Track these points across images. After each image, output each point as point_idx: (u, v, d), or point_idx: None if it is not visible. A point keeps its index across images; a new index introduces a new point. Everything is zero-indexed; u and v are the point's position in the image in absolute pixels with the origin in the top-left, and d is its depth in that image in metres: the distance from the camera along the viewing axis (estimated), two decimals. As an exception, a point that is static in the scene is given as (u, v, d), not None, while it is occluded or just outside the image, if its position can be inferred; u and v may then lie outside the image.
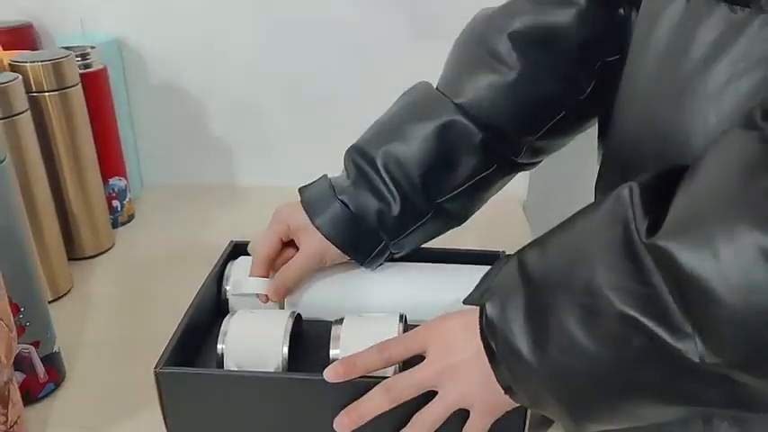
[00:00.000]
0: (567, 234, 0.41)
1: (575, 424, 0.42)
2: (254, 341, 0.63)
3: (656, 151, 0.43)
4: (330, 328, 0.62)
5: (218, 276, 0.70)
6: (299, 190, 0.67)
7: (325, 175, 0.66)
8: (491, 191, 0.65)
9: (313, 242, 0.64)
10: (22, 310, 0.55)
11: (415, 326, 0.55)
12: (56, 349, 0.61)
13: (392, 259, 0.68)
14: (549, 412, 0.44)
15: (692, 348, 0.31)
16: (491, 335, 0.44)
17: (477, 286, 0.50)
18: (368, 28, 0.96)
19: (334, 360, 0.60)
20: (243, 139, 1.05)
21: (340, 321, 0.63)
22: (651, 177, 0.36)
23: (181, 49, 0.99)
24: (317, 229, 0.63)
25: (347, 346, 0.60)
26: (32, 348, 0.56)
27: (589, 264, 0.36)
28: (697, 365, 0.32)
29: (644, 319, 0.33)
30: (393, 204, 0.62)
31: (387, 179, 0.61)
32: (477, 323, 0.46)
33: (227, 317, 0.64)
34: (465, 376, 0.47)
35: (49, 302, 0.76)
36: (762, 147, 0.30)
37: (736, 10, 0.37)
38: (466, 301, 0.48)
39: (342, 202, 0.63)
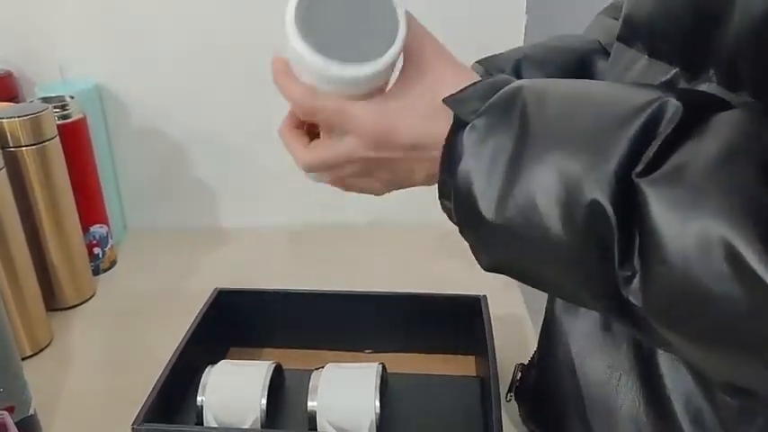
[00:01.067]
0: (586, 102, 0.37)
1: (481, 260, 0.42)
2: (233, 394, 0.63)
3: None
4: (310, 377, 0.62)
5: (202, 326, 0.70)
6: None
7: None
8: None
9: None
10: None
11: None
12: (32, 411, 0.61)
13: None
14: (464, 236, 0.42)
15: (627, 281, 0.33)
16: (454, 151, 0.40)
17: (465, 92, 0.41)
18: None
19: (311, 412, 0.60)
20: (226, 181, 1.05)
21: (320, 370, 0.63)
22: (700, 100, 0.35)
23: (162, 92, 0.99)
24: None
25: (324, 398, 0.60)
26: (6, 414, 0.55)
27: (591, 151, 0.34)
28: (623, 297, 0.33)
29: (615, 224, 0.33)
30: None
31: None
32: (447, 127, 0.41)
33: (208, 369, 0.64)
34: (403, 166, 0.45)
35: (29, 357, 0.76)
36: None
37: (688, 77, 0.39)
38: (447, 101, 0.41)
39: None
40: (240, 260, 0.98)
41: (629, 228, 0.33)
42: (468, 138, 0.39)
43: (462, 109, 0.40)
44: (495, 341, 0.65)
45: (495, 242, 0.40)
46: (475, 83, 0.41)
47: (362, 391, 0.60)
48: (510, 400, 0.64)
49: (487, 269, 0.42)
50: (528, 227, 0.36)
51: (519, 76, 0.56)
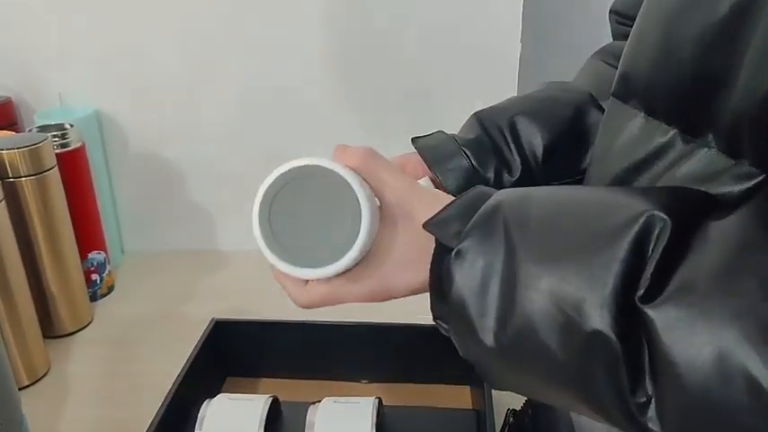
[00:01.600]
0: (571, 218, 0.36)
1: (489, 382, 0.42)
2: (230, 428, 0.63)
3: None
4: (307, 411, 0.62)
5: (199, 358, 0.70)
6: (412, 140, 0.59)
7: (440, 131, 0.60)
8: None
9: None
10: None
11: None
12: (29, 446, 0.61)
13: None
14: (466, 358, 0.41)
15: (644, 407, 0.32)
16: (442, 278, 0.39)
17: (447, 216, 0.41)
18: (342, 94, 0.97)
19: (309, 447, 0.61)
20: (223, 205, 1.06)
21: (317, 404, 0.63)
22: (684, 210, 0.33)
23: (159, 118, 1.00)
24: (439, 177, 0.56)
25: (322, 433, 0.60)
26: (5, 450, 0.55)
27: (584, 274, 0.33)
28: (641, 423, 0.32)
29: (620, 353, 0.32)
30: (513, 168, 0.57)
31: (511, 144, 0.57)
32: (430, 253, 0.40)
33: (206, 402, 0.65)
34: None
35: (26, 387, 0.76)
36: None
37: (687, 139, 0.38)
38: (427, 226, 0.41)
39: (465, 154, 0.56)
40: (237, 284, 0.98)
41: (635, 353, 0.32)
42: (455, 264, 0.38)
43: (444, 233, 0.39)
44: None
45: (500, 366, 0.39)
46: (452, 202, 0.41)
47: (359, 426, 0.60)
48: None
49: (497, 389, 0.42)
50: (529, 352, 0.36)
51: (514, 131, 0.57)
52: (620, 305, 0.32)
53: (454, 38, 0.94)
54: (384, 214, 0.43)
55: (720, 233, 0.32)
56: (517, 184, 0.56)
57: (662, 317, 0.31)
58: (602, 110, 0.56)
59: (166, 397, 0.64)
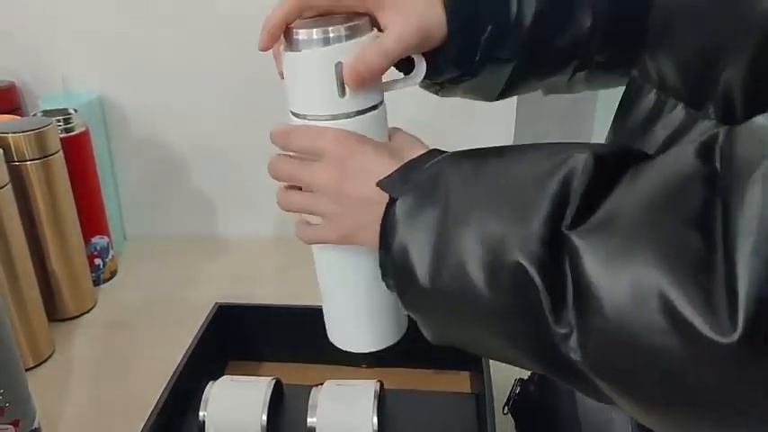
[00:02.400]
0: (501, 169, 0.39)
1: (427, 334, 0.43)
2: (234, 409, 0.64)
3: None
4: (310, 394, 0.63)
5: (203, 341, 0.71)
6: None
7: None
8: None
9: (400, 19, 0.46)
10: (1, 392, 0.56)
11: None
12: (36, 425, 0.62)
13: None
14: (408, 311, 0.44)
15: (565, 338, 0.33)
16: (388, 227, 0.42)
17: (399, 172, 0.44)
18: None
19: (311, 428, 0.62)
20: (226, 191, 1.07)
21: (319, 387, 0.64)
22: (610, 152, 0.36)
23: (162, 103, 1.01)
24: None
25: (324, 415, 0.62)
26: (12, 428, 0.56)
27: (510, 213, 0.36)
28: (563, 354, 0.33)
29: (541, 286, 0.33)
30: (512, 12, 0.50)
31: None
32: (384, 200, 0.43)
33: (210, 384, 0.66)
34: (351, 215, 0.45)
35: (31, 368, 0.77)
36: (704, 188, 0.30)
37: (690, 112, 0.39)
38: (382, 183, 0.43)
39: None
40: (239, 270, 0.99)
41: (558, 284, 0.33)
42: (399, 210, 0.41)
43: (393, 188, 0.42)
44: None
45: (436, 312, 0.41)
46: (405, 164, 0.44)
47: (361, 408, 0.61)
48: (507, 413, 0.65)
49: (434, 342, 0.43)
50: (461, 293, 0.37)
51: None
52: (544, 236, 0.33)
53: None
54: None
55: (652, 168, 0.33)
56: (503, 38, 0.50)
57: (586, 243, 0.32)
58: None
59: (171, 378, 0.65)
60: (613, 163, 0.35)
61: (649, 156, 0.36)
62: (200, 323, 0.73)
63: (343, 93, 0.44)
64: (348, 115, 0.45)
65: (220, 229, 1.09)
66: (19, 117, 0.85)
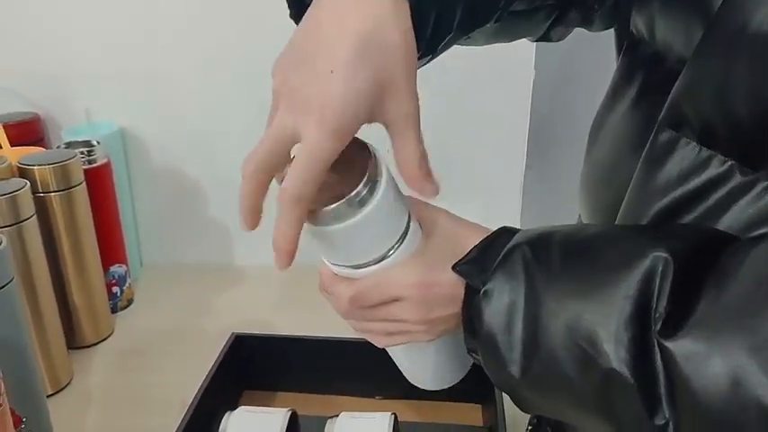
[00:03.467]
0: (582, 262, 0.39)
1: (522, 408, 0.44)
2: (250, 440, 0.65)
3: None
4: (325, 426, 0.64)
5: (219, 371, 0.72)
6: None
7: None
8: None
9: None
10: (24, 420, 0.57)
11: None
12: (56, 453, 0.63)
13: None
14: (500, 389, 0.45)
15: (663, 428, 0.34)
16: (471, 315, 0.43)
17: (473, 259, 0.44)
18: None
19: (326, 460, 0.62)
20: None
21: (334, 419, 0.65)
22: (688, 249, 0.36)
23: (180, 135, 1.03)
24: None
25: (339, 447, 0.62)
26: (34, 457, 0.58)
27: (596, 308, 0.37)
28: None
29: (634, 387, 0.35)
30: None
31: None
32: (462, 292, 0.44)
33: (227, 415, 0.67)
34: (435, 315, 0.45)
35: (50, 396, 0.78)
36: None
37: (745, 171, 0.38)
38: (458, 270, 0.44)
39: None
40: (255, 299, 1.01)
41: (651, 383, 0.34)
42: (483, 303, 0.41)
43: (472, 276, 0.43)
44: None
45: (529, 394, 0.42)
46: (477, 245, 0.44)
47: (375, 440, 0.62)
48: None
49: (527, 412, 0.45)
50: (555, 383, 0.39)
51: None
52: (632, 340, 0.35)
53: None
54: (434, 234, 0.46)
55: (738, 268, 0.34)
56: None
57: (681, 350, 0.33)
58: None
59: (189, 407, 0.66)
60: (697, 258, 0.35)
61: (724, 239, 0.37)
62: (216, 352, 0.74)
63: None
64: (395, 248, 0.44)
65: (236, 258, 1.11)
66: (43, 149, 0.87)
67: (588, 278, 0.38)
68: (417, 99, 0.39)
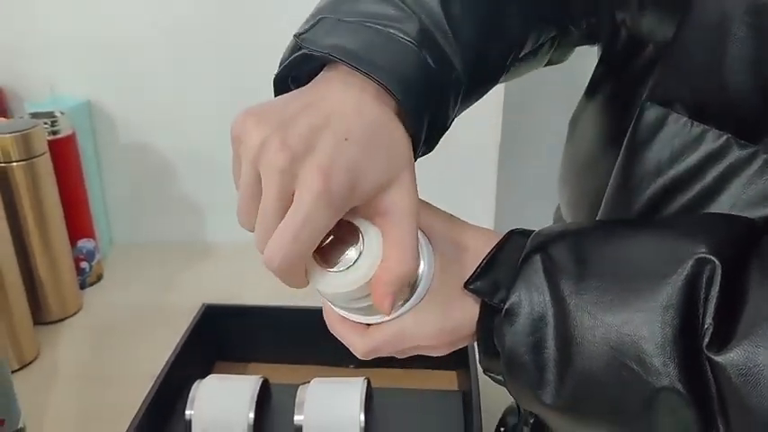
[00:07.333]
0: (619, 259, 0.36)
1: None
2: (221, 408, 0.64)
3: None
4: (297, 392, 0.63)
5: (190, 342, 0.71)
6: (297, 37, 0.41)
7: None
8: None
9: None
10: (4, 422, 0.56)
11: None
12: (21, 425, 0.62)
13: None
14: (522, 405, 0.42)
15: None
16: (490, 337, 0.38)
17: (485, 273, 0.39)
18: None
19: (298, 426, 0.62)
20: (212, 195, 1.06)
21: (306, 385, 0.64)
22: (730, 247, 0.33)
23: (149, 108, 1.01)
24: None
25: (311, 412, 0.62)
26: (-3, 428, 0.56)
27: (639, 321, 0.33)
28: None
29: (687, 399, 0.32)
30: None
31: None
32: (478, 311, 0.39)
33: (196, 383, 0.66)
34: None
35: (15, 371, 0.76)
36: None
37: (742, 144, 0.36)
38: (473, 289, 0.39)
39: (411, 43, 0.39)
40: (226, 274, 0.99)
41: (704, 398, 0.32)
42: (505, 323, 0.37)
43: (489, 294, 0.38)
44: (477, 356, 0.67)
45: (562, 417, 0.38)
46: (489, 257, 0.39)
47: (348, 405, 0.61)
48: None
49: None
50: (593, 405, 0.36)
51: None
52: (681, 353, 0.32)
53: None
54: (436, 248, 0.41)
55: None
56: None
57: (733, 363, 0.31)
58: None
59: (157, 378, 0.65)
60: (738, 259, 0.33)
61: (761, 230, 0.34)
62: (187, 325, 0.73)
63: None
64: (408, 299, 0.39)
65: (207, 233, 1.09)
66: (5, 119, 0.85)
67: (625, 287, 0.34)
68: (417, 195, 0.37)
